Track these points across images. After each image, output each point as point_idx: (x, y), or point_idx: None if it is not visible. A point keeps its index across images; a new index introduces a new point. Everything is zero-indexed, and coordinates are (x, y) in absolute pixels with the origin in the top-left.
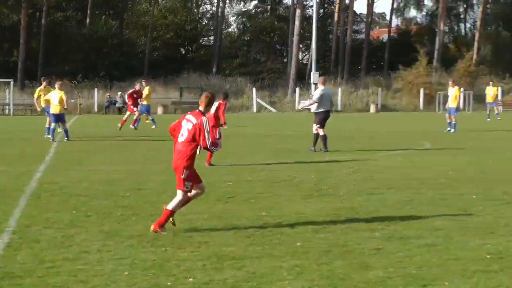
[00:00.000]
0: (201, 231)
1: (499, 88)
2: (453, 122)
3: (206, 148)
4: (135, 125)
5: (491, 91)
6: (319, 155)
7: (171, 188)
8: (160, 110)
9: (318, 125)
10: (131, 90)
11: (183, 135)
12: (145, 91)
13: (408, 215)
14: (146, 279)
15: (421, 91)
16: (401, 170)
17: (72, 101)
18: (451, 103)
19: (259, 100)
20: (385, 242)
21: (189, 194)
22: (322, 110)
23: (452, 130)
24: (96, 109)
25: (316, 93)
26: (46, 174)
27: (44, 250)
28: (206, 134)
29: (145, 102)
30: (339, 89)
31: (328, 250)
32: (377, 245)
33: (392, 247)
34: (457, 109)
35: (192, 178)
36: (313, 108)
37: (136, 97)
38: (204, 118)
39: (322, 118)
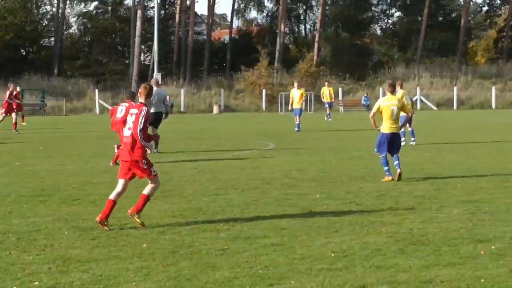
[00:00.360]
0: (46, 234)
1: (340, 89)
2: (297, 122)
3: (136, 135)
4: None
5: (327, 91)
6: (164, 156)
7: (15, 192)
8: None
9: (151, 126)
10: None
11: (130, 129)
12: None
13: (253, 215)
14: None
15: (263, 91)
16: (245, 170)
17: None
18: (297, 104)
19: (101, 102)
20: (231, 242)
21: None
22: (153, 111)
23: (296, 129)
24: None
25: None
26: None
27: None
28: (141, 121)
29: None
30: (182, 90)
31: (175, 251)
32: (223, 246)
33: (238, 247)
34: (301, 110)
35: (151, 163)
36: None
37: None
38: (144, 108)
39: (154, 120)
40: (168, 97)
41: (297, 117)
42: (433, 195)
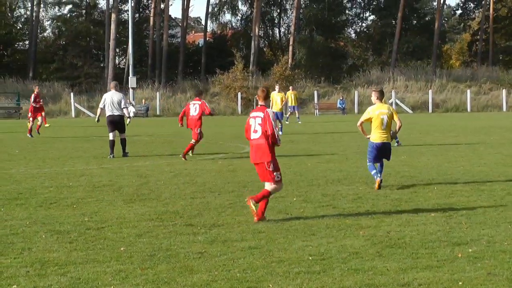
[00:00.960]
0: (23, 237)
1: (315, 92)
2: (281, 126)
3: (273, 136)
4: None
5: (292, 96)
6: (141, 159)
7: None
8: None
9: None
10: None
11: (257, 132)
12: None
13: (230, 218)
14: None
15: (239, 95)
16: (222, 173)
17: None
18: (278, 108)
19: (77, 105)
20: (209, 245)
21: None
22: (117, 114)
23: (280, 132)
24: None
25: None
26: None
27: None
28: (273, 123)
29: None
30: (157, 94)
31: (152, 254)
32: (200, 249)
33: (215, 250)
34: (282, 113)
35: (278, 168)
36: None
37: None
38: (268, 110)
39: (117, 123)
40: (123, 100)
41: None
42: (410, 198)
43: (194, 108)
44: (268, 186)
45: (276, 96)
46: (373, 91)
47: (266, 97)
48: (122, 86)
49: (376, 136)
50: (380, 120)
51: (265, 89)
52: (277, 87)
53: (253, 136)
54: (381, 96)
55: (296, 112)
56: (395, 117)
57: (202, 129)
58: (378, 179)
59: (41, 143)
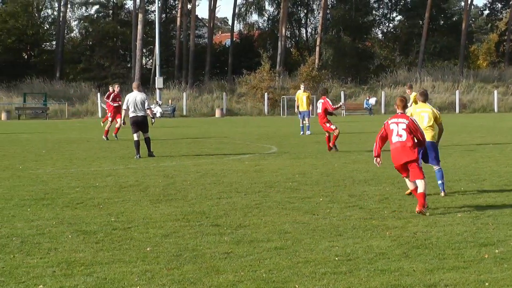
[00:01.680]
0: (50, 238)
1: (342, 92)
2: (302, 125)
3: (424, 141)
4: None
5: (304, 97)
6: (167, 159)
7: (18, 195)
8: (3, 115)
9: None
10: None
11: (402, 136)
12: None
13: (256, 219)
14: None
15: (265, 95)
16: (248, 174)
17: None
18: (304, 107)
19: (104, 106)
20: (235, 245)
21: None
22: (141, 115)
23: (308, 132)
24: None
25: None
26: None
27: None
28: (421, 130)
29: None
30: (184, 94)
31: (178, 255)
32: (226, 249)
33: (241, 250)
34: (310, 112)
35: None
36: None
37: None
38: (413, 118)
39: (141, 123)
40: (146, 101)
41: (307, 119)
42: (437, 198)
43: (319, 106)
44: (420, 183)
45: (302, 96)
46: (417, 92)
47: (405, 107)
48: (149, 87)
49: None
50: (421, 118)
51: (404, 99)
52: (302, 87)
53: (398, 139)
54: (424, 97)
55: (307, 119)
56: (437, 119)
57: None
58: (442, 193)
59: (68, 143)
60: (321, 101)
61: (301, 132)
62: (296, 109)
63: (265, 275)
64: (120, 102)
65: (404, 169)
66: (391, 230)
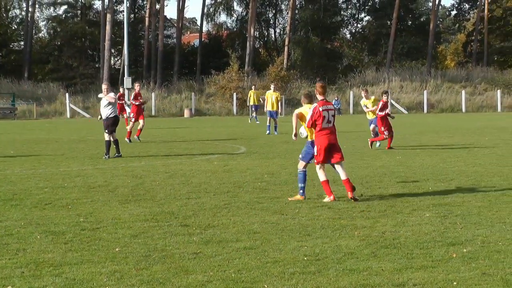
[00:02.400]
0: (18, 238)
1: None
2: (276, 125)
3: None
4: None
5: (254, 95)
6: (136, 159)
7: None
8: None
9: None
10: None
11: (331, 122)
12: None
13: (225, 219)
14: None
15: (234, 95)
16: (217, 174)
17: None
18: (273, 107)
19: (72, 106)
20: (204, 246)
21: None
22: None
23: (275, 132)
24: None
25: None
26: None
27: None
28: None
29: None
30: (153, 94)
31: (147, 255)
32: (195, 249)
33: (210, 251)
34: (277, 112)
35: None
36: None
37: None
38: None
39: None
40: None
41: (275, 119)
42: (405, 198)
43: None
44: (340, 168)
45: (271, 95)
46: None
47: (325, 91)
48: (117, 87)
49: None
50: None
51: (324, 84)
52: (272, 87)
53: (328, 125)
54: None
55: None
56: None
57: None
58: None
59: (36, 144)
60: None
61: (267, 131)
62: (265, 108)
63: (234, 275)
64: (141, 101)
65: (329, 152)
66: (359, 229)
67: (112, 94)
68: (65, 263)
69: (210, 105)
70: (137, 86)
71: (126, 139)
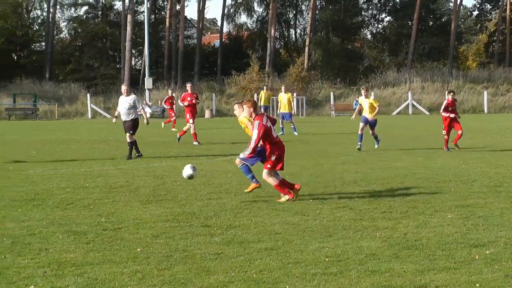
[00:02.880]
0: (41, 238)
1: (331, 93)
2: (293, 126)
3: None
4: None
5: (265, 96)
6: (157, 160)
7: (9, 195)
8: None
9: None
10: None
11: (275, 130)
12: None
13: (247, 220)
14: None
15: (255, 96)
16: (238, 174)
17: None
18: (285, 109)
19: (93, 106)
20: (225, 246)
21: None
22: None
23: (295, 133)
24: None
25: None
26: None
27: None
28: None
29: None
30: (174, 95)
31: (169, 255)
32: (217, 250)
33: (232, 251)
34: (291, 113)
35: None
36: (129, 116)
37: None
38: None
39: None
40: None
41: (283, 120)
42: (427, 199)
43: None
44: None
45: (282, 97)
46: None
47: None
48: (138, 87)
49: None
50: None
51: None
52: (283, 89)
53: (276, 134)
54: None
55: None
56: None
57: None
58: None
59: (58, 144)
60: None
61: (281, 132)
62: (278, 111)
63: (256, 275)
64: (193, 101)
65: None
66: (381, 231)
67: (133, 96)
68: (87, 263)
69: (231, 106)
70: (188, 87)
71: (194, 142)
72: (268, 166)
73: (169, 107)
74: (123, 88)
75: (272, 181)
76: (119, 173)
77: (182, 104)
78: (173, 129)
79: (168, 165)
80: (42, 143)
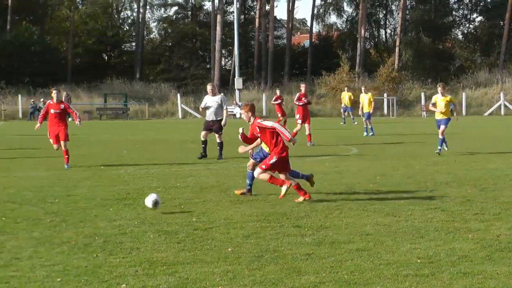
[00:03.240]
0: (132, 237)
1: (422, 94)
2: (369, 126)
3: None
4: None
5: (347, 96)
6: (247, 160)
7: (100, 195)
8: (85, 116)
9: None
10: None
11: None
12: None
13: (337, 220)
14: (79, 285)
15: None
16: (329, 175)
17: None
18: (366, 108)
19: (184, 106)
20: (316, 247)
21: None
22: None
23: (371, 133)
24: (20, 115)
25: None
26: None
27: None
28: None
29: None
30: (263, 95)
31: (260, 255)
32: (308, 250)
33: (323, 252)
34: (370, 113)
35: None
36: (217, 116)
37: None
38: None
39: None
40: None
41: (367, 121)
42: None
43: None
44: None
45: (364, 97)
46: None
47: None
48: (228, 88)
49: None
50: None
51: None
52: (363, 89)
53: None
54: None
55: (350, 113)
56: None
57: None
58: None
59: (148, 144)
60: None
61: (364, 133)
62: (360, 111)
63: (347, 276)
64: (304, 101)
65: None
66: (473, 232)
67: (220, 96)
68: (178, 262)
69: (321, 106)
70: (302, 87)
71: (308, 143)
72: (263, 167)
73: (278, 101)
74: (209, 87)
75: (263, 177)
76: (210, 173)
77: (297, 104)
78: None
79: None
80: (132, 143)
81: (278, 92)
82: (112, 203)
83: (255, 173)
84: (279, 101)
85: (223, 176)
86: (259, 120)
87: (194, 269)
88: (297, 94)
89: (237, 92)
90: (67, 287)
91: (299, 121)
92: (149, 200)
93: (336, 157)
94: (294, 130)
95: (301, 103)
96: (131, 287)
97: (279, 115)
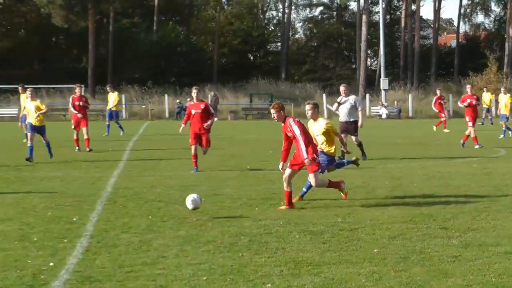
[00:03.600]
0: (277, 237)
1: None
2: (504, 128)
3: None
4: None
5: (503, 99)
6: (393, 161)
7: (246, 195)
8: (230, 116)
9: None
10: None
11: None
12: (113, 97)
13: (485, 222)
14: (224, 284)
15: (493, 97)
16: (476, 177)
17: (143, 106)
18: (503, 110)
19: (329, 106)
20: (463, 249)
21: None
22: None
23: (501, 136)
24: (167, 115)
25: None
26: (120, 180)
27: (122, 254)
28: None
29: (114, 108)
30: (409, 96)
31: (406, 257)
32: (455, 253)
33: (470, 254)
34: (507, 116)
35: None
36: (350, 117)
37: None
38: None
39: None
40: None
41: (503, 122)
42: None
43: None
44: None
45: (502, 98)
46: None
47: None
48: (374, 88)
49: None
50: None
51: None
52: (502, 89)
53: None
54: None
55: (488, 114)
56: None
57: None
58: None
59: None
60: None
61: (501, 136)
62: (498, 112)
63: (495, 279)
64: (473, 102)
65: None
66: None
67: (353, 97)
68: (323, 262)
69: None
70: (469, 88)
71: (475, 146)
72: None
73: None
74: (342, 88)
75: (323, 183)
76: (356, 174)
77: (461, 105)
78: (445, 130)
79: (405, 166)
80: (278, 143)
81: (438, 92)
82: (257, 203)
83: (312, 182)
84: (440, 101)
85: (369, 177)
86: (290, 120)
87: (339, 270)
88: (462, 96)
89: (383, 92)
90: (213, 285)
91: (470, 124)
92: (189, 201)
93: (484, 158)
94: (466, 133)
95: (466, 104)
96: (276, 287)
97: (443, 115)
